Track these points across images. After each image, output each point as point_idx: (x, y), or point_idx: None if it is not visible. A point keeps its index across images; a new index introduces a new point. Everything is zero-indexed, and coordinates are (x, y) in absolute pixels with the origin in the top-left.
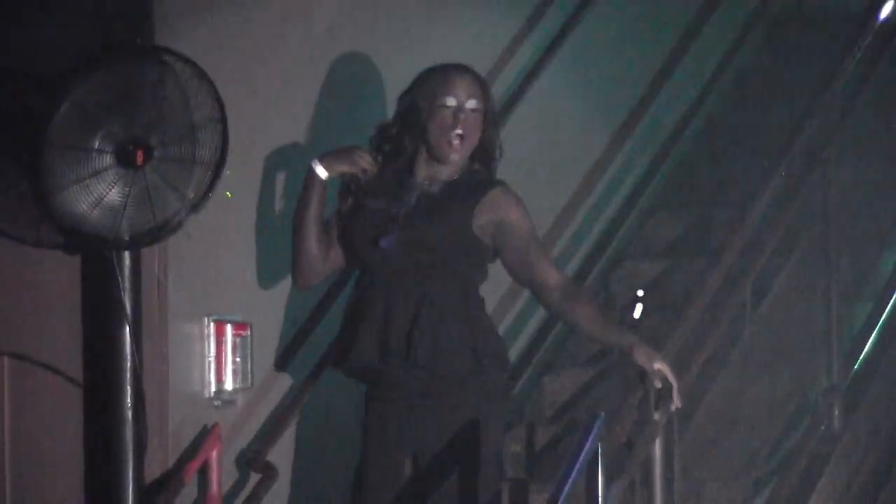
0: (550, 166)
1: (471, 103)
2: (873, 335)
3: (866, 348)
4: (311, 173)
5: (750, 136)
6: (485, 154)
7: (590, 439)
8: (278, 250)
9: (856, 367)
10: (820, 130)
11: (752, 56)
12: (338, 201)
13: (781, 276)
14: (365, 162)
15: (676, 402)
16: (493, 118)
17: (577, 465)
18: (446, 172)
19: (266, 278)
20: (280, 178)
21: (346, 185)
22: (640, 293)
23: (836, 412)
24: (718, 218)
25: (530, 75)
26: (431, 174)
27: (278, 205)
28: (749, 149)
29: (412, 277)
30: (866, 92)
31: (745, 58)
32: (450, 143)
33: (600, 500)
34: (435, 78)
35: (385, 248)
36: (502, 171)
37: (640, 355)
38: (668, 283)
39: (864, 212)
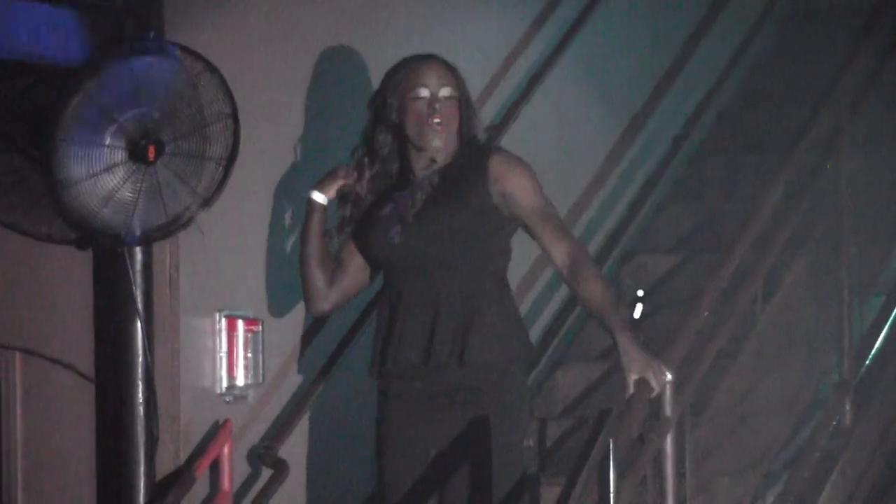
0: (562, 161)
1: (444, 91)
2: (885, 329)
3: (878, 343)
4: (310, 202)
5: (761, 130)
6: (471, 141)
7: (601, 434)
8: (290, 246)
9: (867, 361)
10: (831, 124)
11: (764, 50)
12: (339, 212)
13: (793, 271)
14: (351, 171)
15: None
16: (468, 103)
17: (589, 460)
18: (441, 158)
19: (278, 274)
20: (292, 172)
21: (342, 198)
22: (640, 293)
23: (848, 407)
24: (730, 212)
25: (541, 70)
26: (428, 164)
27: (290, 200)
28: (760, 143)
29: (438, 272)
30: (878, 84)
31: (756, 52)
32: (431, 127)
33: (612, 494)
34: (403, 71)
35: (396, 243)
36: None
37: (628, 359)
38: (680, 278)
39: (876, 205)
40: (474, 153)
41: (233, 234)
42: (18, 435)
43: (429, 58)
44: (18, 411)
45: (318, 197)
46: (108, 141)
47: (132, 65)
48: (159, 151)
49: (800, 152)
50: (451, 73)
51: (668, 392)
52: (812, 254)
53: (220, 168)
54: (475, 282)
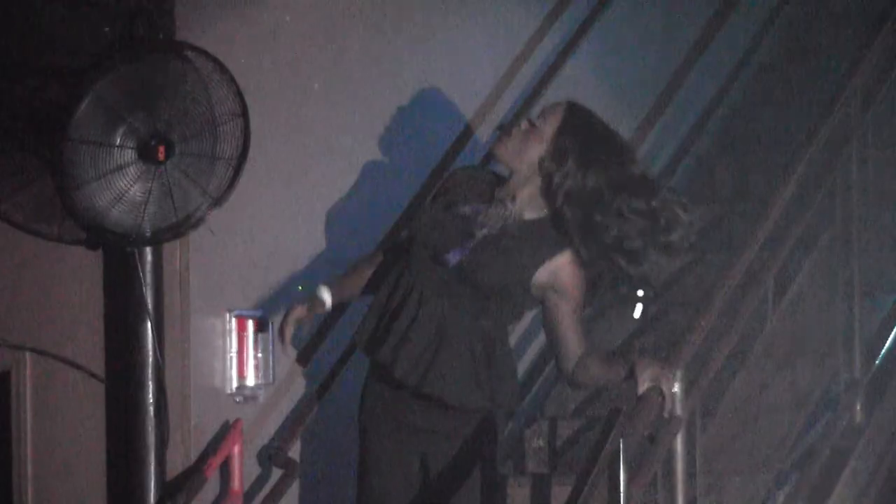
0: None
1: (536, 116)
2: (895, 328)
3: (888, 342)
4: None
5: (771, 131)
6: (559, 218)
7: (612, 434)
8: (300, 246)
9: (878, 360)
10: (842, 123)
11: (773, 50)
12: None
13: (803, 270)
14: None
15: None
16: (562, 158)
17: (600, 460)
18: (532, 209)
19: (287, 274)
20: (302, 172)
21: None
22: (640, 293)
23: (858, 406)
24: (740, 212)
25: (553, 68)
26: (521, 206)
27: (301, 200)
28: (771, 143)
29: (450, 301)
30: (889, 82)
31: (766, 52)
32: (497, 135)
33: (622, 494)
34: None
35: (448, 263)
36: None
37: (641, 366)
38: (690, 278)
39: (887, 204)
40: (553, 236)
41: (243, 234)
42: (29, 434)
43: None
44: (29, 411)
45: (326, 294)
46: (118, 141)
47: (142, 65)
48: (169, 151)
49: (810, 151)
50: (561, 121)
51: (678, 392)
52: (822, 253)
53: (231, 168)
54: (478, 325)
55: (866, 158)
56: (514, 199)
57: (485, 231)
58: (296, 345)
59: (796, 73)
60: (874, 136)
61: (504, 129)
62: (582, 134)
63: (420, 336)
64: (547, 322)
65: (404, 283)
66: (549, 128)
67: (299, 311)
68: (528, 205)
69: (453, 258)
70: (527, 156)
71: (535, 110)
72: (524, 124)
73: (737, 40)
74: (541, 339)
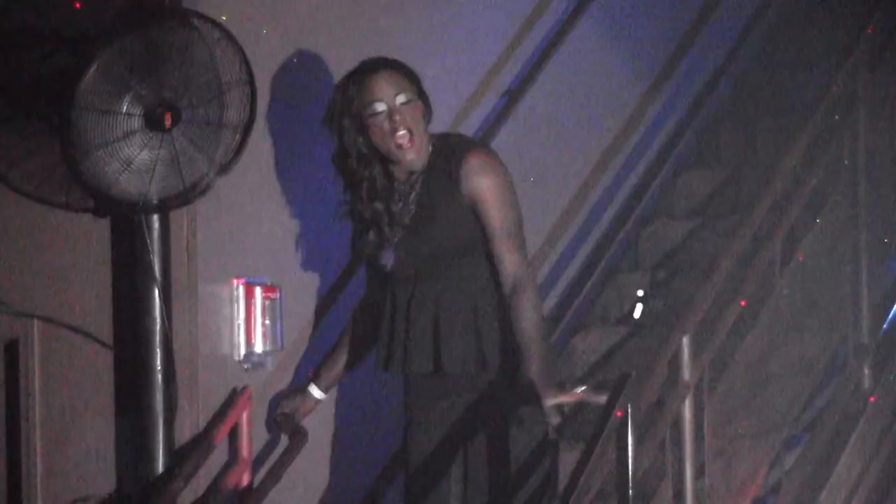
0: (581, 125)
1: (400, 98)
2: None
3: None
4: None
5: (779, 94)
6: (444, 140)
7: (620, 399)
8: (308, 212)
9: (886, 325)
10: (849, 86)
11: (782, 13)
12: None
13: (811, 234)
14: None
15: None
16: (426, 101)
17: (608, 425)
18: (418, 164)
19: (296, 240)
20: (309, 139)
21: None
22: (640, 293)
23: (866, 371)
24: (748, 176)
25: (560, 33)
26: (407, 175)
27: (308, 167)
28: (778, 107)
29: (421, 281)
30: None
31: (774, 15)
32: (399, 146)
33: (630, 459)
34: (352, 89)
35: (389, 266)
36: (533, 132)
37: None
38: (698, 243)
39: (894, 167)
40: (450, 155)
41: (250, 201)
42: (37, 402)
43: (374, 67)
44: (37, 379)
45: (316, 392)
46: (124, 109)
47: (149, 32)
48: (176, 119)
49: (817, 115)
50: (402, 74)
51: (686, 356)
52: (830, 217)
53: (237, 135)
54: (466, 288)
55: (874, 122)
56: (412, 174)
57: (408, 209)
58: (305, 311)
59: (804, 35)
60: (882, 99)
61: (404, 139)
62: (409, 70)
63: (419, 327)
64: (485, 239)
65: (391, 296)
66: (411, 94)
67: (291, 406)
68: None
69: (386, 259)
70: (425, 135)
71: (378, 100)
72: (404, 119)
73: (744, 3)
74: (551, 302)
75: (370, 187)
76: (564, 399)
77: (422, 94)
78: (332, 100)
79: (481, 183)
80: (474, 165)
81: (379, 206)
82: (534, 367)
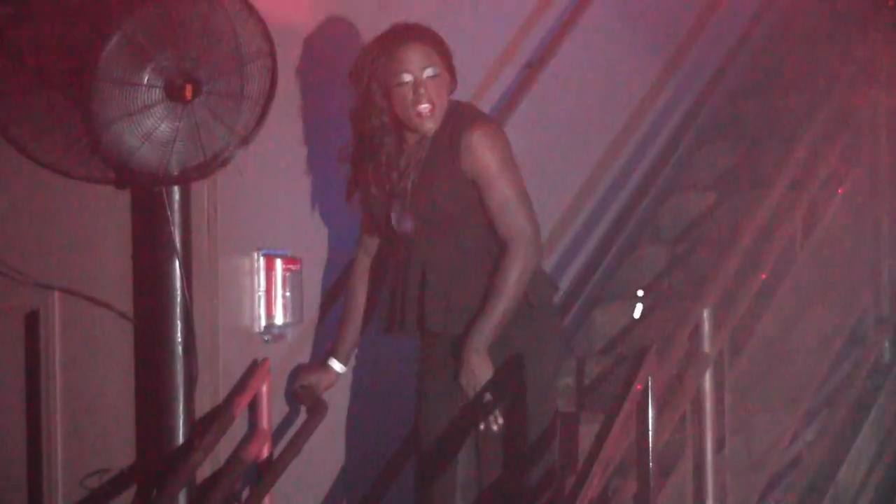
0: (600, 99)
1: (427, 71)
2: None
3: None
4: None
5: (798, 69)
6: (455, 109)
7: (640, 372)
8: (329, 184)
9: None
10: (869, 61)
11: None
12: (347, 194)
13: (831, 208)
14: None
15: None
16: (452, 70)
17: (628, 399)
18: (433, 130)
19: (317, 212)
20: (330, 110)
21: (351, 181)
22: (640, 293)
23: (887, 344)
24: (769, 149)
25: (574, 12)
26: (418, 138)
27: (329, 139)
28: (797, 81)
29: (424, 244)
30: None
31: None
32: (419, 114)
33: (651, 432)
34: (383, 56)
35: (405, 226)
36: (554, 104)
37: (464, 363)
38: (718, 216)
39: None
40: (455, 126)
41: (271, 173)
42: (57, 374)
43: (406, 37)
44: (57, 350)
45: (336, 365)
46: (145, 80)
47: (170, 4)
48: (196, 90)
49: (837, 89)
50: (433, 46)
51: (706, 329)
52: (850, 191)
53: (258, 107)
54: (466, 247)
55: (895, 94)
56: (422, 139)
57: (412, 176)
58: (325, 284)
59: (822, 10)
60: None
61: (427, 109)
62: (439, 41)
63: (411, 285)
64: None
65: (392, 262)
66: (438, 68)
67: (311, 379)
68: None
69: (405, 223)
70: (444, 104)
71: (406, 70)
72: (428, 93)
73: None
74: (570, 275)
75: (387, 152)
76: (480, 368)
77: (449, 68)
78: (360, 60)
79: (480, 158)
80: (474, 141)
81: (388, 171)
82: (483, 320)
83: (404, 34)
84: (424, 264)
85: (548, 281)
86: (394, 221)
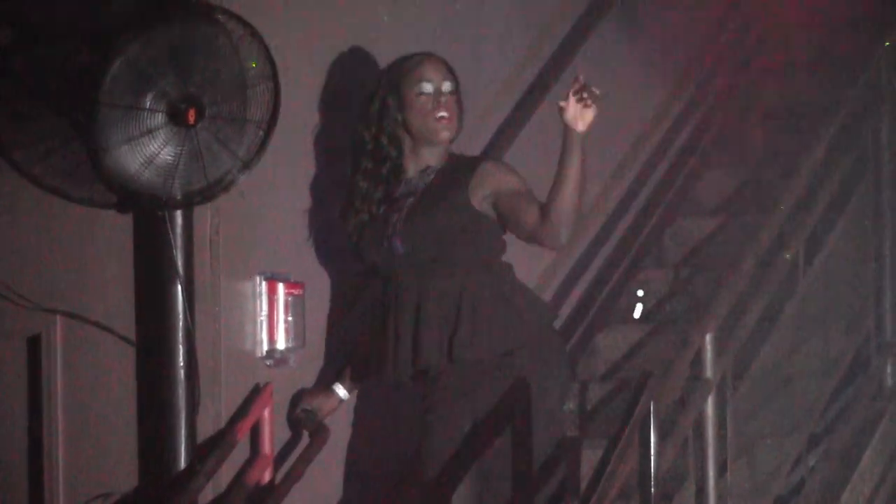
0: (603, 125)
1: (446, 85)
2: None
3: None
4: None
5: (803, 92)
6: (461, 155)
7: (643, 397)
8: (331, 209)
9: None
10: (873, 84)
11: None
12: (341, 220)
13: (834, 233)
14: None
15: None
16: (461, 101)
17: (630, 423)
18: (435, 159)
19: (319, 237)
20: (332, 136)
21: (343, 209)
22: (640, 293)
23: (889, 369)
24: (771, 174)
25: (582, 34)
26: (421, 165)
27: (331, 164)
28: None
29: (426, 274)
30: None
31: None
32: (438, 120)
33: (653, 457)
34: (402, 69)
35: (396, 250)
36: (556, 131)
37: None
38: (721, 241)
39: None
40: (467, 160)
41: (274, 197)
42: (59, 397)
43: (427, 53)
44: (59, 374)
45: (340, 391)
46: (148, 104)
47: (173, 28)
48: (199, 115)
49: (842, 113)
50: (449, 68)
51: (709, 354)
52: (853, 216)
53: (261, 131)
54: (462, 278)
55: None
56: (428, 166)
57: (410, 199)
58: (328, 308)
59: (827, 33)
60: None
61: (446, 118)
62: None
63: (404, 323)
64: (513, 226)
65: (385, 298)
66: (455, 86)
67: (314, 404)
68: (436, 157)
69: (396, 245)
70: (457, 123)
71: (427, 80)
72: (448, 103)
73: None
74: (573, 300)
75: (392, 167)
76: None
77: (460, 94)
78: (379, 77)
79: (503, 176)
80: (491, 166)
81: (387, 190)
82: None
83: (423, 52)
84: (419, 299)
85: (547, 307)
86: (385, 243)
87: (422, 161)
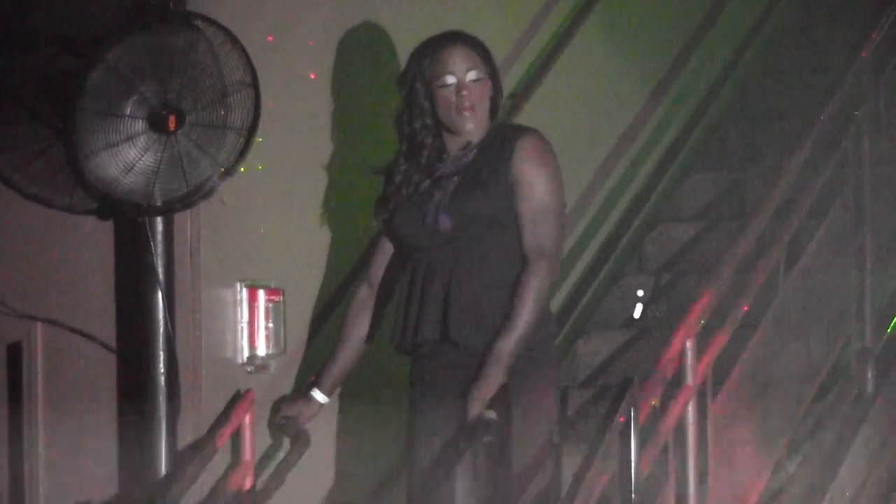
0: (586, 129)
1: (471, 75)
2: None
3: None
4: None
5: (784, 97)
6: (502, 122)
7: (623, 403)
8: (312, 216)
9: (889, 329)
10: (853, 89)
11: (786, 16)
12: (375, 213)
13: (815, 238)
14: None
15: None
16: (496, 78)
17: (611, 430)
18: (475, 136)
19: (299, 244)
20: (312, 143)
21: (382, 194)
22: (640, 293)
23: (870, 375)
24: (752, 180)
25: (565, 36)
26: (462, 142)
27: (311, 170)
28: (783, 109)
29: (450, 253)
30: None
31: (778, 18)
32: (460, 113)
33: (633, 464)
34: (428, 57)
35: (443, 225)
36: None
37: (474, 395)
38: (702, 246)
39: None
40: (506, 135)
41: (254, 204)
42: (40, 404)
43: (452, 40)
44: (40, 381)
45: (319, 396)
46: (128, 111)
47: (153, 35)
48: (180, 121)
49: (822, 118)
50: (477, 52)
51: (689, 359)
52: (834, 221)
53: (241, 138)
54: (493, 262)
55: (878, 125)
56: (469, 142)
57: (455, 178)
58: (308, 315)
59: (809, 39)
60: (886, 103)
61: (468, 109)
62: (484, 48)
63: (433, 293)
64: (518, 219)
65: (412, 271)
66: (482, 73)
67: (294, 410)
68: (475, 134)
69: (443, 220)
70: (486, 108)
71: (450, 72)
72: (471, 95)
73: (749, 7)
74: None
75: (428, 154)
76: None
77: (493, 74)
78: (407, 64)
79: (534, 159)
80: (531, 142)
81: (429, 171)
82: (506, 343)
83: (450, 37)
84: (451, 273)
85: (552, 322)
86: (429, 219)
87: (462, 138)
